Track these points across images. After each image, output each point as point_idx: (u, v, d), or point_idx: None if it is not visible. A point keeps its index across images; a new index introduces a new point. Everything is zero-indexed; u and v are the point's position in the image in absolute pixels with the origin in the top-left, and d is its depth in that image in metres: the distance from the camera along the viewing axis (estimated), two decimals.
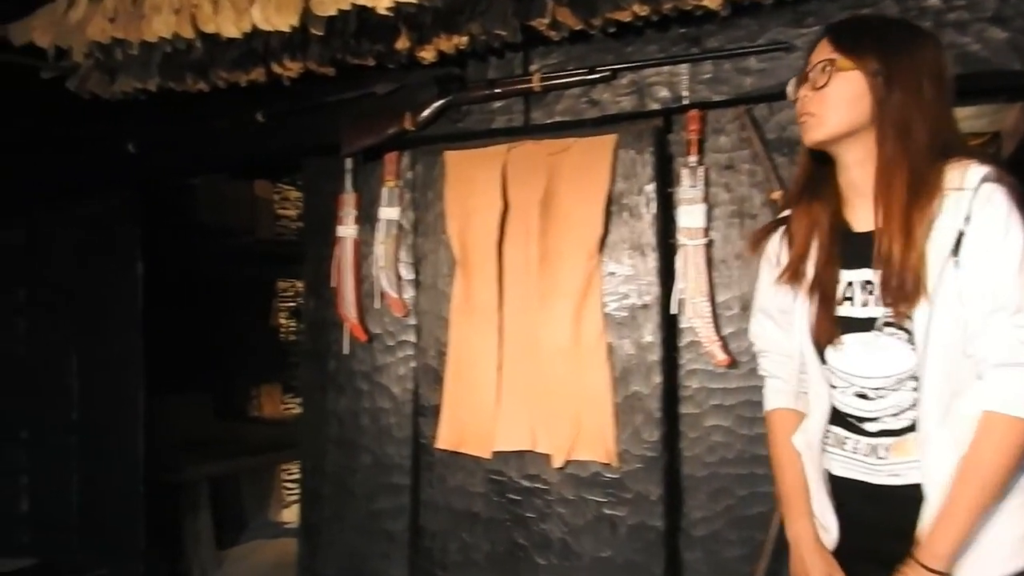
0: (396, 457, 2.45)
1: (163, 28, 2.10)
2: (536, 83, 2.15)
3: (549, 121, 2.21)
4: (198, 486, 3.52)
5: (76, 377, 3.11)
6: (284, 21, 2.04)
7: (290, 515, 4.50)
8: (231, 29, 2.08)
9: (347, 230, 2.50)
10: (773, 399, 1.68)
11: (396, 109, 2.37)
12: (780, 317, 1.62)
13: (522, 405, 2.19)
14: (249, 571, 3.71)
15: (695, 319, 2.04)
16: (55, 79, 2.60)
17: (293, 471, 4.62)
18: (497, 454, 2.22)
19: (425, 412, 2.35)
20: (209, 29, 2.10)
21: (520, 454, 2.20)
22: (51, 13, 2.23)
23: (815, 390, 1.53)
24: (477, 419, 2.23)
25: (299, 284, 4.74)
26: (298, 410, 4.82)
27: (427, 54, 2.17)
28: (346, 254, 2.48)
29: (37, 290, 3.24)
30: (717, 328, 2.04)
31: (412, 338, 2.42)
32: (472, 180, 2.28)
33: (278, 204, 4.56)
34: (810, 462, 1.54)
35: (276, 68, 2.33)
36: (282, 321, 4.75)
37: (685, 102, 2.06)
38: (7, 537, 3.10)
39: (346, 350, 2.51)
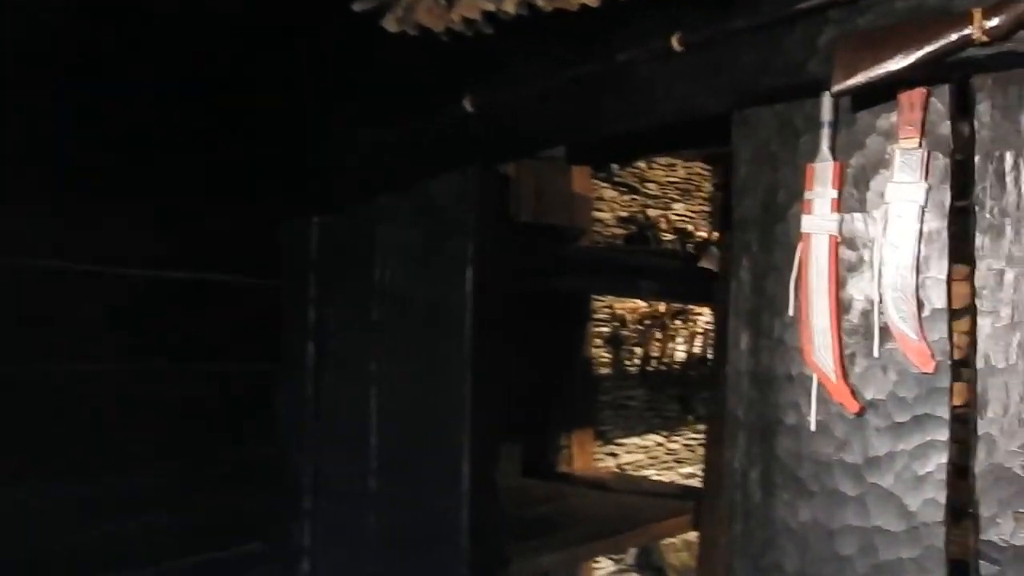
0: None
1: None
2: None
3: None
4: None
5: (375, 428, 2.28)
6: None
7: None
8: None
9: (820, 222, 1.52)
10: None
11: (948, 10, 1.35)
12: None
13: None
14: None
15: None
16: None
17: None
18: None
19: (989, 553, 1.30)
20: None
21: None
22: None
23: None
24: None
25: (619, 306, 3.82)
26: (608, 463, 3.94)
27: None
28: (817, 262, 1.51)
29: (339, 305, 2.46)
30: None
31: (945, 412, 1.38)
32: None
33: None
34: None
35: None
36: (594, 351, 3.84)
37: None
38: None
39: (813, 424, 1.51)
